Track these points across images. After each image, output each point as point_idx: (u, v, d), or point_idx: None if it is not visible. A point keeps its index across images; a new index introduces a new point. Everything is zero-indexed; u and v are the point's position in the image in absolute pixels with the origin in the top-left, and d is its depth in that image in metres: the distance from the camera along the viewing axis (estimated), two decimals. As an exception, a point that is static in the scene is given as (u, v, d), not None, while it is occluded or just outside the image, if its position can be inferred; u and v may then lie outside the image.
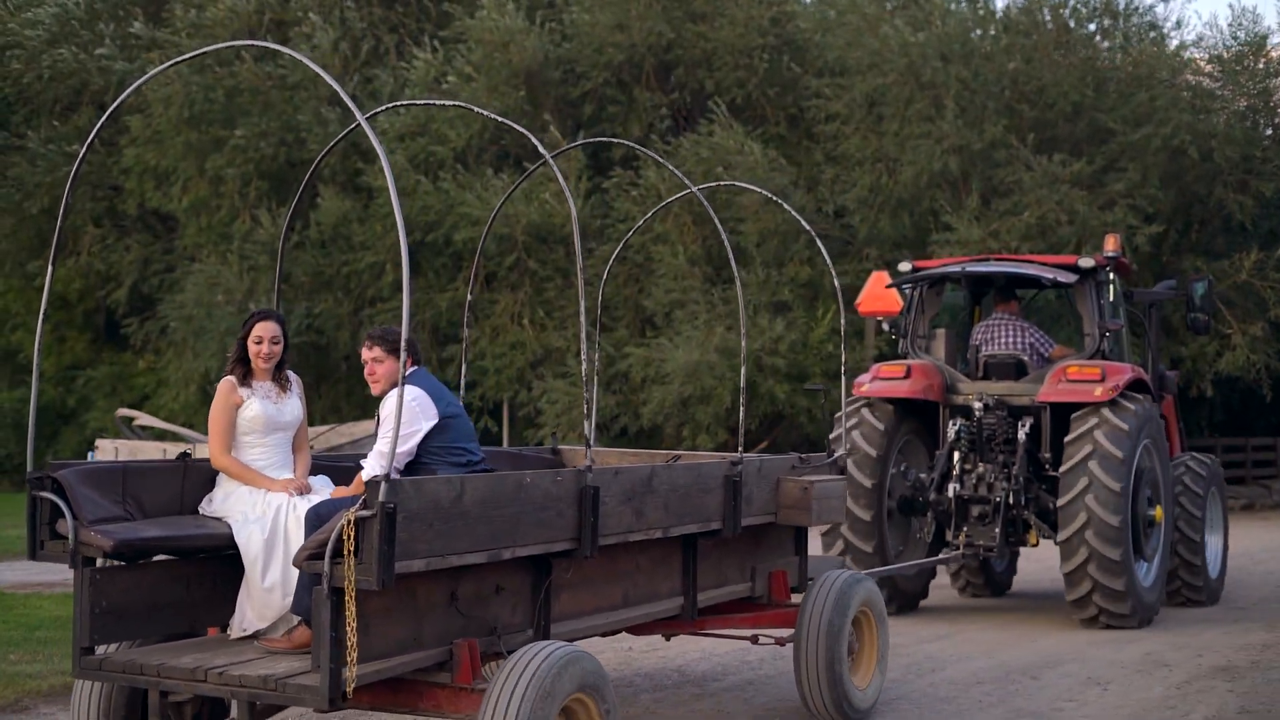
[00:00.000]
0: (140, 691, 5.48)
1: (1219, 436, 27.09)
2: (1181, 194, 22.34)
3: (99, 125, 5.59)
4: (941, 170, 20.69)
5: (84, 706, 5.58)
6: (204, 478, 5.96)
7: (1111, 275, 11.35)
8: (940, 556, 11.17)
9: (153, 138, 23.81)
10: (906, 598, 11.39)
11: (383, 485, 4.79)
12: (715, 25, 23.06)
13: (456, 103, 7.17)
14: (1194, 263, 22.41)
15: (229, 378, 5.90)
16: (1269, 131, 23.74)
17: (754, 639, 7.79)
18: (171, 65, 5.49)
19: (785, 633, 7.56)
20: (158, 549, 5.53)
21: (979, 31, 22.19)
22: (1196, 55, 23.86)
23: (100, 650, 5.40)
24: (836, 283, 8.65)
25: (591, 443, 6.43)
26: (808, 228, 8.47)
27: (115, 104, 5.69)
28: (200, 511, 5.92)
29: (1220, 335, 21.42)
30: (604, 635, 7.08)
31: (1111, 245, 11.32)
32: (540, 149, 6.03)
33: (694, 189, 7.76)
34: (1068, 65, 21.67)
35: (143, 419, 13.72)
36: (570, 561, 5.90)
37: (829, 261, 8.70)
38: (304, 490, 5.87)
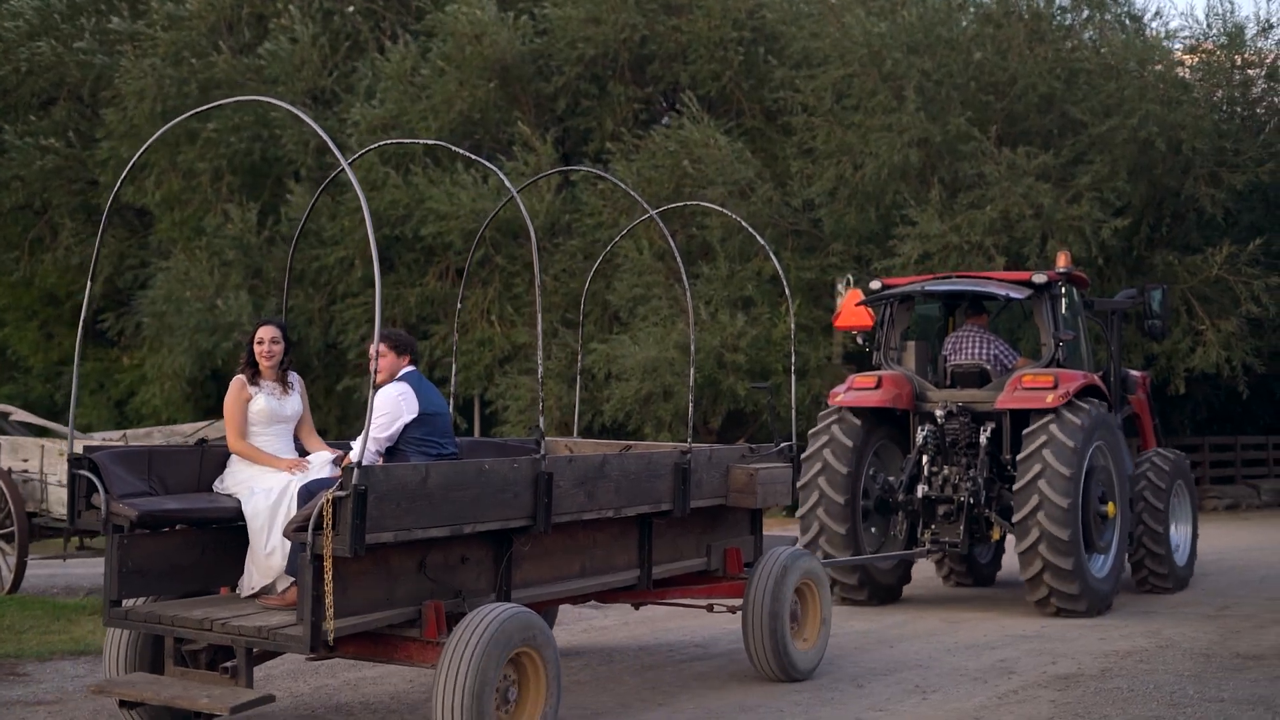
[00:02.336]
0: (160, 639, 6.45)
1: (1205, 435, 27.06)
2: (1152, 187, 21.99)
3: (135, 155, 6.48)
4: (902, 163, 20.47)
5: (114, 651, 6.61)
6: (217, 460, 7.05)
7: (1064, 289, 12.11)
8: (902, 552, 12.06)
9: (127, 131, 23.82)
10: (883, 590, 12.28)
11: (355, 470, 5.73)
12: (690, 18, 22.93)
13: (438, 142, 8.07)
14: (1165, 257, 22.13)
15: (239, 376, 6.99)
16: (1239, 123, 23.18)
17: (709, 608, 8.74)
18: (210, 108, 6.43)
19: (738, 602, 8.47)
20: (177, 519, 6.58)
21: (950, 22, 21.66)
22: (1175, 47, 23.75)
23: (126, 604, 6.37)
24: (786, 287, 9.47)
25: (577, 433, 7.32)
26: (762, 241, 9.34)
27: (162, 130, 6.58)
28: (214, 489, 6.91)
29: (1194, 332, 21.32)
30: (565, 602, 8.01)
31: (1063, 261, 12.33)
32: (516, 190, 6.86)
33: (653, 213, 8.74)
34: (1038, 56, 21.31)
35: (17, 414, 14.48)
36: (528, 536, 6.82)
37: (780, 268, 9.52)
38: (303, 469, 6.84)
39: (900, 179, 20.79)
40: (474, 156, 7.75)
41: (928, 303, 13.41)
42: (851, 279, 19.93)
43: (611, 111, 23.53)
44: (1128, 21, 23.82)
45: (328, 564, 5.92)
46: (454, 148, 8.02)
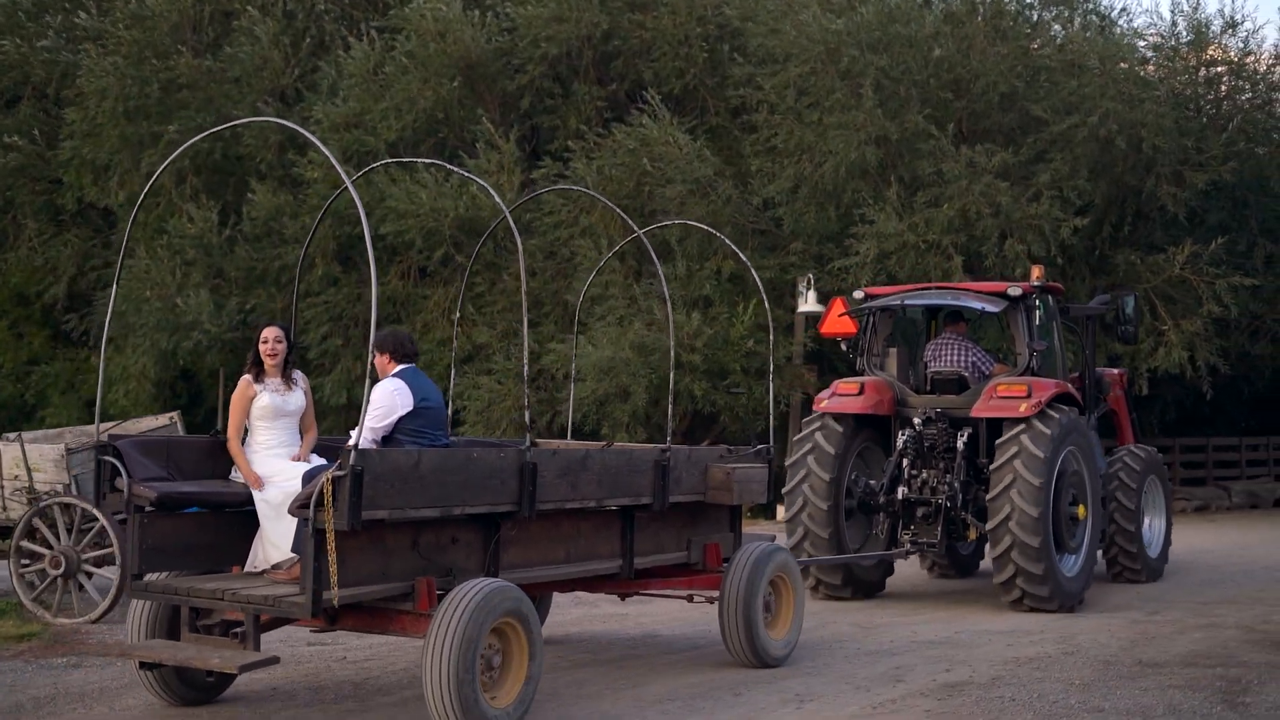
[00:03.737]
0: (177, 609, 7.06)
1: (1176, 437, 27.19)
2: (1114, 186, 21.99)
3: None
4: (860, 161, 20.45)
5: (136, 621, 7.25)
6: (229, 451, 7.62)
7: (1038, 300, 12.67)
8: (880, 553, 12.61)
9: (91, 131, 23.94)
10: (866, 586, 12.89)
11: (352, 453, 6.35)
12: (654, 15, 22.97)
13: (436, 162, 8.69)
14: (1128, 257, 22.22)
15: (246, 376, 7.64)
16: (1205, 121, 23.27)
17: (689, 598, 9.31)
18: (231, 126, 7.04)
19: (716, 593, 9.02)
20: (192, 502, 7.29)
21: (909, 19, 21.36)
22: (1139, 45, 23.71)
23: (147, 578, 6.99)
24: (761, 293, 10.06)
25: (570, 435, 7.89)
26: (744, 259, 9.90)
27: (181, 148, 7.23)
28: (231, 477, 7.52)
29: (1157, 332, 21.32)
30: (551, 587, 8.61)
31: (1037, 275, 12.87)
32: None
33: (640, 232, 9.35)
34: (999, 54, 21.28)
35: None
36: (515, 521, 7.42)
37: (758, 280, 10.05)
38: (259, 488, 7.46)
39: (859, 177, 20.87)
40: (470, 175, 8.39)
41: (911, 311, 13.99)
42: (812, 278, 20.22)
43: (576, 109, 23.64)
44: (1095, 19, 23.97)
45: (330, 537, 6.50)
46: (451, 167, 8.69)
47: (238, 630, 7.08)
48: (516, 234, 8.23)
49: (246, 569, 7.53)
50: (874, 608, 12.47)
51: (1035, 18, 23.55)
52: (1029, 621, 11.42)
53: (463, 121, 23.42)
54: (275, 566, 7.44)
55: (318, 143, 7.33)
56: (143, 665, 7.35)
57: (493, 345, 21.92)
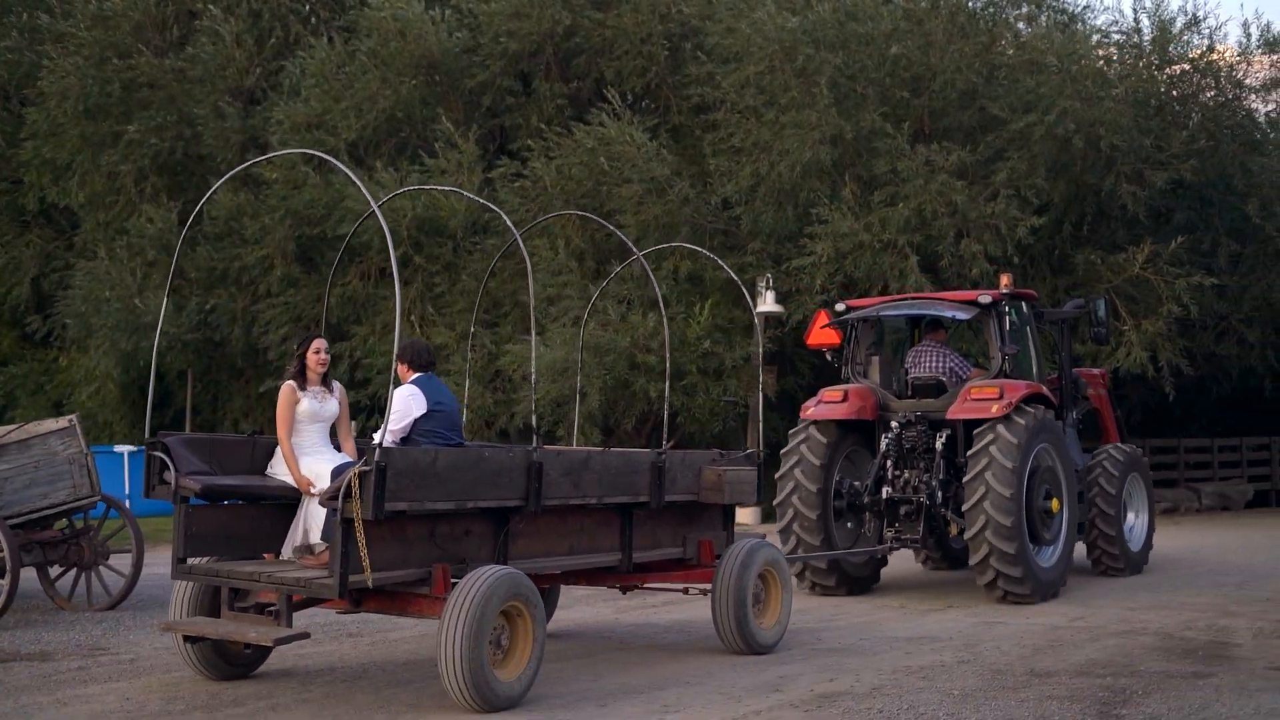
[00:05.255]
0: (217, 590, 7.83)
1: (1147, 438, 27.13)
2: (1072, 185, 22.18)
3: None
4: (813, 160, 20.60)
5: (179, 600, 8.02)
6: (267, 449, 8.48)
7: (1008, 306, 13.45)
8: (863, 549, 13.41)
9: (51, 131, 24.15)
10: (858, 582, 13.60)
11: (377, 451, 7.09)
12: (615, 12, 23.17)
13: (455, 188, 9.46)
14: (1088, 256, 22.50)
15: (290, 383, 8.50)
16: (1170, 119, 23.32)
17: (685, 590, 10.06)
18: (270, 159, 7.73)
19: (709, 586, 9.73)
20: (232, 495, 8.10)
21: (865, 17, 21.36)
22: (1103, 43, 23.87)
23: (190, 562, 7.76)
24: (749, 298, 10.55)
25: (576, 442, 8.60)
26: (738, 281, 10.61)
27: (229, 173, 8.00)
28: (266, 472, 8.29)
29: (1117, 332, 21.34)
30: (556, 579, 9.38)
31: (1005, 282, 13.65)
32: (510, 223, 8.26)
33: (639, 254, 10.05)
34: (960, 51, 21.43)
35: None
36: (522, 515, 8.16)
37: (747, 291, 10.68)
38: (308, 491, 8.26)
39: (815, 176, 21.09)
40: (482, 200, 9.13)
41: (894, 321, 14.74)
42: (770, 279, 20.67)
43: (538, 108, 23.91)
44: (1058, 17, 24.20)
45: (357, 525, 7.25)
46: (472, 196, 9.39)
47: (272, 609, 7.84)
48: (524, 250, 8.96)
49: (284, 553, 8.30)
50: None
51: (997, 14, 23.61)
52: (946, 626, 11.50)
53: (424, 121, 23.66)
54: (310, 548, 8.19)
55: (347, 170, 8.10)
56: (186, 639, 8.12)
57: (451, 346, 22.02)
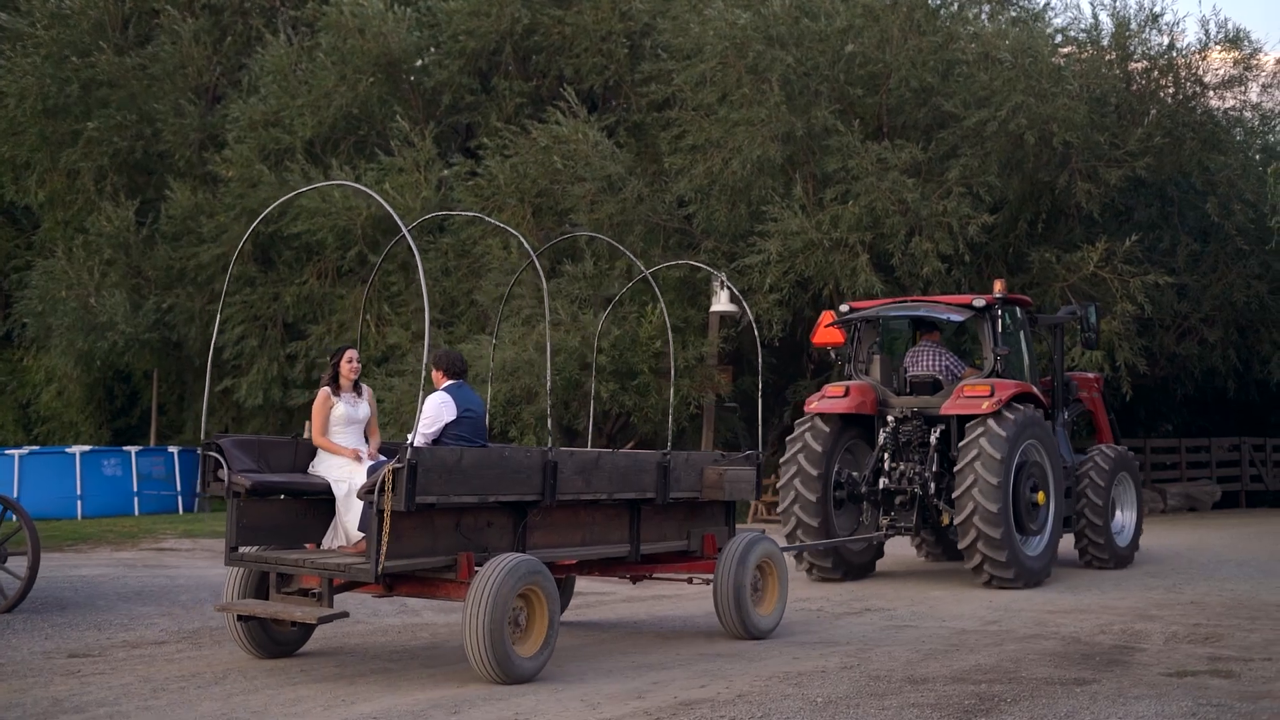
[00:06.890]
0: (265, 575, 8.72)
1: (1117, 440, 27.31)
2: (1026, 182, 22.26)
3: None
4: (764, 158, 20.56)
5: (232, 584, 8.91)
6: (310, 450, 9.36)
7: (1001, 310, 14.36)
8: (856, 536, 14.32)
9: (10, 130, 24.23)
10: (855, 568, 14.53)
11: (409, 450, 7.96)
12: (575, 10, 23.38)
13: (475, 212, 10.28)
14: (1043, 254, 22.40)
15: (325, 388, 9.38)
16: (1129, 116, 23.19)
17: (689, 580, 10.92)
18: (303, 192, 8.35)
19: (711, 576, 10.57)
20: (280, 490, 9.03)
21: (819, 14, 21.05)
22: (1057, 39, 23.74)
23: (241, 550, 8.65)
24: (743, 304, 11.34)
25: (591, 443, 9.32)
26: (734, 290, 11.29)
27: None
28: (309, 471, 9.18)
29: (1071, 331, 20.89)
30: (570, 568, 10.27)
31: (999, 288, 14.52)
32: (517, 231, 9.07)
33: (646, 273, 10.93)
34: (916, 48, 21.28)
35: None
36: (539, 509, 9.02)
37: (726, 287, 11.34)
38: (363, 457, 9.11)
39: (766, 174, 21.19)
40: (489, 218, 9.97)
41: (896, 322, 15.60)
42: (725, 277, 20.78)
43: (497, 106, 24.08)
44: (1015, 12, 24.25)
45: (385, 515, 8.12)
46: (487, 218, 10.21)
47: (314, 592, 8.74)
48: (535, 260, 9.83)
49: (324, 544, 9.20)
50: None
51: (956, 9, 23.73)
52: (852, 630, 11.30)
53: (382, 118, 23.92)
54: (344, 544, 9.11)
55: (382, 200, 8.97)
56: (240, 618, 9.03)
57: (405, 346, 22.15)
